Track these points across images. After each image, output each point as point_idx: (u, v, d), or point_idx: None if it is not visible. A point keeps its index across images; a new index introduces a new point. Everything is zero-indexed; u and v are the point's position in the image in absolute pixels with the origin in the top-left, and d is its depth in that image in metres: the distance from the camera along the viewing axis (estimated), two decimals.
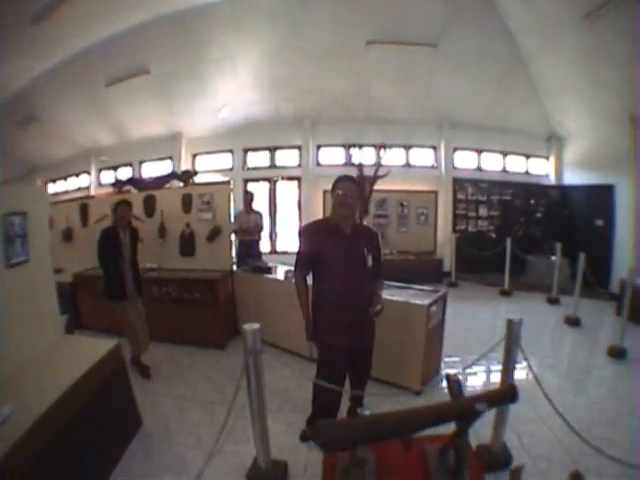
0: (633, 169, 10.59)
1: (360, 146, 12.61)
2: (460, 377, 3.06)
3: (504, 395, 3.17)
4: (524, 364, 7.17)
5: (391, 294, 5.43)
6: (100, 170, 15.04)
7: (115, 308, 6.08)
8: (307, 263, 4.09)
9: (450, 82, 11.54)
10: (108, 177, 14.59)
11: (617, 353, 7.39)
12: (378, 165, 4.44)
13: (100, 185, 14.90)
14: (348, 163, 12.43)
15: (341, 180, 4.02)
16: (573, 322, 9.04)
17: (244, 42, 10.33)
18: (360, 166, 4.24)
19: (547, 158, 14.39)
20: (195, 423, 4.93)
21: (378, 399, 4.65)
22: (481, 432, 4.32)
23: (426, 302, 5.48)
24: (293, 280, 4.22)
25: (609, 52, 9.18)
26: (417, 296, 5.84)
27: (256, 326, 3.56)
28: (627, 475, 3.88)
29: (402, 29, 10.03)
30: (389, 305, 4.54)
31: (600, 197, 12.21)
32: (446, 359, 6.36)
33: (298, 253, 4.17)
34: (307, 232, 4.21)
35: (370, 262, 4.07)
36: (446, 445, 3.02)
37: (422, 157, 13.31)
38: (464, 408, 2.79)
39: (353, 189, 3.99)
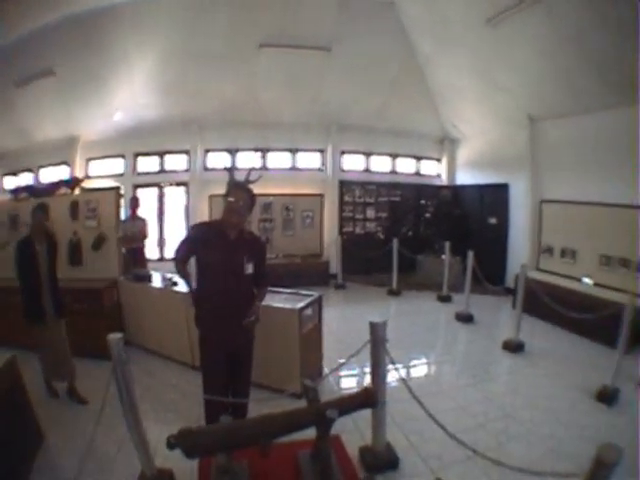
0: (528, 168, 11.10)
1: (236, 150, 12.59)
2: (331, 380, 3.08)
3: (361, 400, 3.22)
4: (422, 360, 7.32)
5: (265, 299, 5.37)
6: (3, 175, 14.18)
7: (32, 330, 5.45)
8: (185, 252, 4.18)
9: (341, 85, 11.62)
10: (11, 183, 13.63)
11: (513, 347, 7.63)
12: (250, 169, 4.45)
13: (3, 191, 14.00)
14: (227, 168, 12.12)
15: (233, 187, 4.09)
16: (465, 318, 9.29)
17: (142, 45, 10.05)
18: (231, 170, 4.24)
19: (439, 160, 14.76)
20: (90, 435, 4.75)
21: (260, 404, 4.60)
22: (367, 433, 4.37)
23: (298, 306, 5.54)
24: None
25: (508, 55, 9.54)
26: (291, 300, 5.88)
27: (119, 336, 3.51)
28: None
29: (296, 33, 10.05)
30: (263, 310, 4.48)
31: (494, 196, 12.66)
32: (339, 360, 6.14)
33: (181, 242, 4.23)
34: (195, 228, 4.33)
35: (250, 270, 4.10)
36: (315, 449, 3.05)
37: (309, 160, 13.30)
38: (318, 415, 2.85)
39: (244, 197, 4.05)
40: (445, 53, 10.81)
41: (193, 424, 3.94)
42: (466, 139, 14.05)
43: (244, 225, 4.24)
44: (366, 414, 4.09)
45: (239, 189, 4.09)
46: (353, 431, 4.62)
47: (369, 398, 3.32)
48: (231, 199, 3.99)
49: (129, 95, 11.26)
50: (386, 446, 4.31)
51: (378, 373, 4.11)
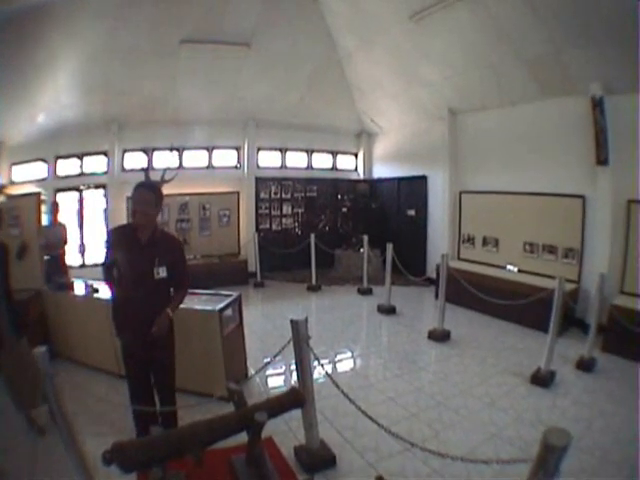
0: (447, 160, 11.28)
1: (153, 150, 12.18)
2: (257, 380, 3.01)
3: (289, 400, 3.19)
4: (348, 354, 7.23)
5: (184, 302, 5.19)
6: None
7: None
8: (110, 269, 3.91)
9: (260, 81, 11.53)
10: None
11: (439, 336, 7.69)
12: (165, 169, 4.34)
13: None
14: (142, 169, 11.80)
15: (137, 188, 3.98)
16: (387, 310, 9.32)
17: (67, 44, 9.53)
18: (146, 171, 4.12)
19: (356, 154, 14.86)
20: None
21: (189, 410, 4.45)
22: (300, 432, 4.32)
23: (218, 307, 5.41)
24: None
25: (430, 50, 9.65)
26: (211, 302, 5.73)
27: (43, 349, 3.28)
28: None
29: (217, 28, 9.86)
30: (183, 314, 4.45)
31: (412, 188, 12.83)
32: (263, 360, 6.05)
33: (102, 263, 4.05)
34: (108, 238, 4.16)
35: (162, 273, 3.98)
36: (249, 453, 3.00)
37: (225, 158, 13.11)
38: (247, 419, 2.82)
39: (148, 196, 3.94)
40: (366, 48, 10.85)
41: (127, 436, 3.77)
42: (384, 133, 14.20)
43: (157, 226, 4.14)
44: (297, 413, 4.05)
45: (143, 189, 3.99)
46: (286, 432, 4.55)
47: (297, 398, 3.31)
48: (136, 199, 3.92)
49: (53, 95, 10.75)
50: (320, 444, 4.24)
51: (303, 371, 4.05)
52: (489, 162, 10.54)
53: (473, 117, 10.90)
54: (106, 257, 3.99)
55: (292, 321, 4.01)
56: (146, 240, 3.96)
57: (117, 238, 4.02)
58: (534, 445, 2.27)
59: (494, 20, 8.07)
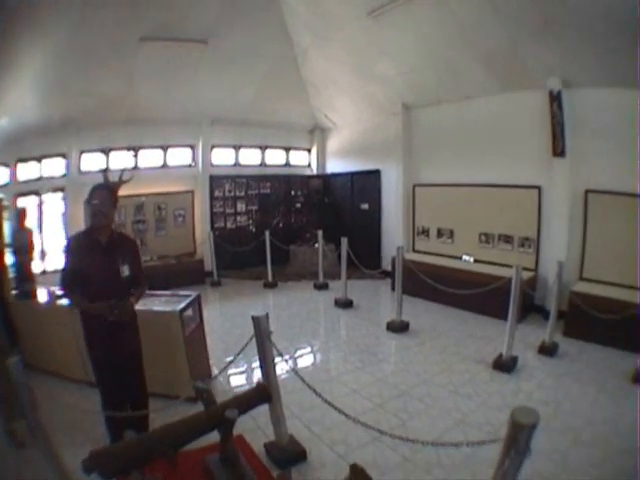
0: (401, 154, 11.43)
1: (109, 150, 11.90)
2: (221, 379, 3.04)
3: (256, 396, 3.22)
4: (308, 349, 7.24)
5: (144, 304, 5.17)
6: None
7: None
8: (72, 279, 3.91)
9: (216, 79, 11.42)
10: None
11: (397, 327, 7.78)
12: (123, 170, 4.34)
13: None
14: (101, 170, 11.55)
15: (93, 189, 4.00)
16: (345, 304, 9.38)
17: (32, 44, 9.21)
18: (105, 172, 4.11)
19: (309, 150, 14.93)
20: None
21: (158, 414, 4.42)
22: (268, 429, 4.34)
23: (178, 308, 5.38)
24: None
25: (387, 46, 9.71)
26: (170, 302, 5.70)
27: (16, 358, 3.24)
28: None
29: (176, 25, 9.71)
30: (143, 316, 4.47)
31: (366, 183, 12.94)
32: (226, 358, 5.98)
33: (62, 270, 3.99)
34: (68, 246, 4.06)
35: (126, 272, 4.08)
36: (222, 452, 3.02)
37: (180, 157, 12.92)
38: (218, 418, 2.83)
39: (104, 197, 3.97)
40: (322, 45, 10.88)
41: (102, 443, 3.75)
42: (337, 129, 14.27)
43: (113, 227, 4.17)
44: (264, 410, 4.06)
45: (101, 190, 4.02)
46: (254, 429, 4.56)
47: (264, 393, 3.35)
48: (95, 201, 3.93)
49: (17, 97, 10.47)
50: (290, 439, 4.29)
51: (267, 367, 4.07)
52: (444, 155, 10.70)
53: (428, 112, 11.04)
54: (66, 264, 3.96)
55: (254, 317, 4.02)
56: (106, 242, 4.00)
57: (78, 244, 4.00)
58: (502, 429, 2.35)
59: (454, 16, 8.16)
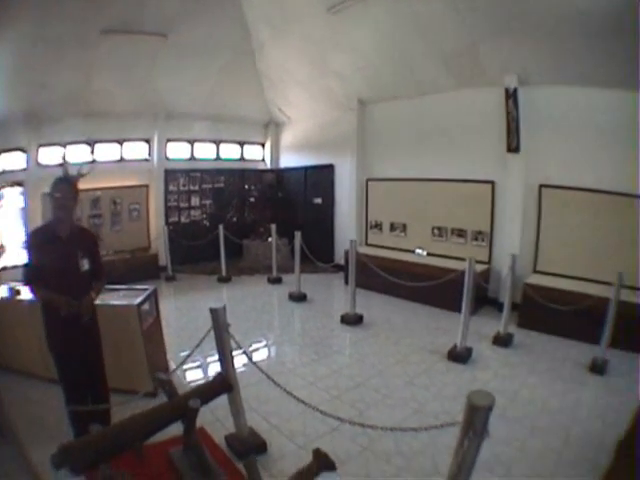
0: (355, 149, 11.53)
1: (67, 144, 11.62)
2: (179, 373, 3.08)
3: (217, 386, 3.28)
4: (263, 343, 7.26)
5: (101, 298, 4.99)
6: None
7: None
8: (35, 273, 3.91)
9: (174, 72, 11.34)
10: None
11: (351, 320, 7.86)
12: (82, 163, 4.38)
13: None
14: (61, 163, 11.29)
15: (55, 182, 3.96)
16: (298, 298, 9.46)
17: None
18: (65, 165, 4.09)
19: (263, 144, 14.96)
20: None
21: (118, 408, 4.42)
22: (228, 422, 4.37)
23: (136, 302, 5.38)
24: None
25: (345, 41, 9.78)
26: (127, 297, 5.69)
27: None
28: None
29: (138, 18, 9.61)
30: (101, 310, 4.46)
31: (319, 177, 13.04)
32: (182, 352, 6.12)
33: (25, 265, 3.98)
34: (29, 241, 4.09)
35: (86, 266, 4.09)
36: (186, 443, 3.06)
37: (135, 151, 12.74)
38: (180, 407, 2.87)
39: (66, 190, 3.95)
40: (280, 39, 10.93)
41: (66, 439, 3.75)
42: (292, 123, 14.32)
43: (73, 221, 4.18)
44: (223, 403, 4.11)
45: (63, 183, 4.00)
46: (214, 422, 4.60)
47: (224, 383, 3.40)
48: (57, 195, 3.91)
49: None
50: (250, 431, 4.33)
51: (226, 358, 4.09)
52: (398, 150, 10.83)
53: (384, 107, 11.17)
54: (29, 259, 3.95)
55: (211, 309, 4.05)
56: (66, 236, 4.00)
57: (38, 239, 4.00)
58: (458, 417, 2.43)
59: (413, 13, 8.29)
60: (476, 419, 2.22)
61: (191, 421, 3.00)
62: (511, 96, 8.34)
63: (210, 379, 3.74)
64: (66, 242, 3.98)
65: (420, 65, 9.48)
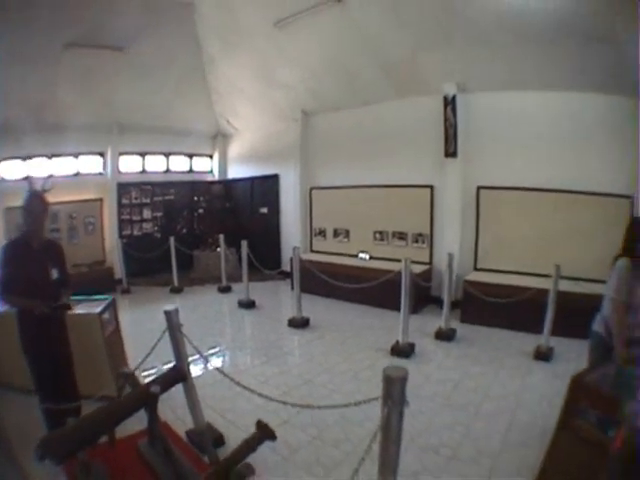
0: (299, 158, 11.88)
1: (28, 157, 11.56)
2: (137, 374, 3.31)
3: (174, 376, 3.61)
4: (216, 349, 7.44)
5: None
6: None
7: None
8: (9, 284, 4.07)
9: (129, 86, 11.43)
10: None
11: (298, 323, 8.16)
12: (46, 178, 4.57)
13: None
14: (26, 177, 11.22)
15: (30, 196, 4.20)
16: (247, 305, 9.71)
17: None
18: (30, 180, 4.33)
19: (211, 156, 15.13)
20: None
21: (87, 410, 4.61)
22: (187, 419, 4.57)
23: (97, 310, 5.57)
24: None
25: (290, 55, 10.05)
26: (88, 306, 5.83)
27: None
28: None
29: (99, 32, 9.72)
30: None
31: (265, 187, 13.33)
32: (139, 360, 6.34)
33: (1, 277, 4.11)
34: (5, 254, 4.19)
35: (56, 275, 4.31)
36: (150, 433, 3.33)
37: (90, 164, 12.76)
38: (143, 394, 3.15)
39: (38, 204, 4.20)
40: (230, 53, 11.12)
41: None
42: (239, 134, 14.53)
43: (43, 233, 4.41)
44: (182, 403, 4.43)
45: (36, 197, 4.22)
46: (176, 420, 4.83)
47: (179, 373, 3.71)
48: (31, 208, 4.16)
49: None
50: (207, 425, 4.55)
51: (180, 354, 4.32)
52: (341, 159, 11.16)
53: (327, 117, 11.52)
54: (4, 272, 4.09)
55: (165, 311, 4.28)
56: (37, 247, 4.23)
57: (13, 252, 4.17)
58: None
59: (356, 26, 8.61)
60: (392, 389, 2.52)
61: (153, 407, 3.25)
62: (449, 103, 8.73)
63: (168, 369, 4.03)
64: (38, 253, 4.20)
65: (362, 76, 9.79)
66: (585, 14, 6.55)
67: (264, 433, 3.11)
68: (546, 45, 7.29)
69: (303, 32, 9.35)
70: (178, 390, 4.24)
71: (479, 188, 8.89)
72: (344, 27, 8.83)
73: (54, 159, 11.95)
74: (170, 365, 4.33)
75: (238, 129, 14.36)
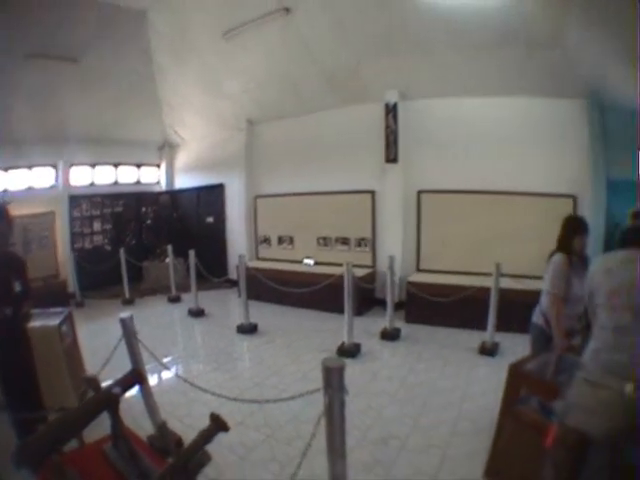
0: (243, 167, 12.16)
1: None
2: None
3: (132, 379, 3.78)
4: (168, 358, 7.53)
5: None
6: None
7: None
8: None
9: (81, 97, 11.41)
10: None
11: (246, 329, 8.42)
12: (3, 192, 4.60)
13: None
14: None
15: None
16: (197, 313, 9.95)
17: None
18: None
19: (158, 166, 15.14)
20: None
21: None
22: (146, 425, 4.75)
23: (56, 322, 5.66)
24: None
25: (236, 66, 10.24)
26: (46, 319, 5.88)
27: None
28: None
29: (55, 43, 9.66)
30: None
31: (210, 196, 13.51)
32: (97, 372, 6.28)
33: None
34: None
35: (18, 287, 4.31)
36: (114, 436, 3.50)
37: (43, 177, 12.64)
38: (105, 396, 3.32)
39: (1, 218, 4.23)
40: (179, 64, 11.22)
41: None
42: (185, 144, 14.61)
43: (6, 246, 4.48)
44: (142, 410, 4.66)
45: None
46: (138, 429, 4.73)
47: (138, 375, 3.88)
48: None
49: None
50: (167, 428, 4.74)
51: (136, 357, 4.55)
52: (285, 167, 11.44)
53: (271, 126, 11.76)
54: None
55: (121, 319, 4.48)
56: (1, 260, 4.28)
57: None
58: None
59: (300, 37, 8.87)
60: (331, 378, 2.75)
61: (115, 408, 3.36)
62: (391, 110, 9.08)
63: (126, 373, 4.06)
64: (1, 266, 4.24)
65: (306, 85, 10.07)
66: (527, 20, 6.89)
67: (217, 425, 3.31)
68: (487, 52, 7.67)
69: (250, 43, 9.52)
70: (137, 398, 4.51)
71: (420, 192, 9.25)
72: (290, 38, 9.03)
73: (9, 171, 11.89)
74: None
75: (185, 139, 14.46)
